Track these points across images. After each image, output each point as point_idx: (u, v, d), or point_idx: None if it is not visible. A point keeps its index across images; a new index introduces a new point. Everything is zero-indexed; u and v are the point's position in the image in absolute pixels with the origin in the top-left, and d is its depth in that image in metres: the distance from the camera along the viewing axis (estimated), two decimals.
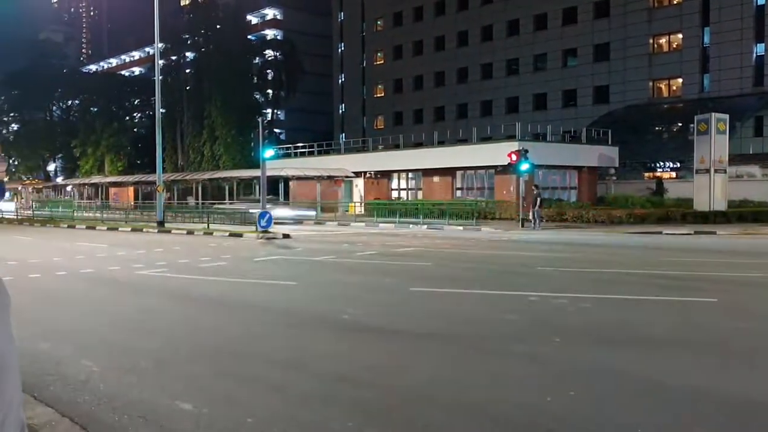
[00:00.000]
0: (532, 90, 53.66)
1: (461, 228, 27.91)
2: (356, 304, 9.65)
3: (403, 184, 43.19)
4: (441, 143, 44.83)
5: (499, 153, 31.59)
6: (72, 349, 7.06)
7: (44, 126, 75.09)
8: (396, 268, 14.34)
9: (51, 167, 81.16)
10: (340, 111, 68.46)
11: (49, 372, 6.09)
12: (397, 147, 46.17)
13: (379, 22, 63.89)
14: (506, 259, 16.20)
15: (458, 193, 38.83)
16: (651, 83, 48.84)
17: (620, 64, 49.44)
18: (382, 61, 63.67)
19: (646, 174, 43.24)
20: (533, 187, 28.27)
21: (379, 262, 15.36)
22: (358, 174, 43.13)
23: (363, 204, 40.43)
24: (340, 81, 68.20)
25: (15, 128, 79.57)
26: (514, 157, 27.84)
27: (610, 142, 39.48)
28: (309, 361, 6.51)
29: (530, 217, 27.67)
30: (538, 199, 27.55)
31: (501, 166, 32.42)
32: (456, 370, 6.16)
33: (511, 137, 38.35)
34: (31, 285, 12.05)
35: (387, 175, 43.12)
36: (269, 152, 27.89)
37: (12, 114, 79.14)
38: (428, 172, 40.02)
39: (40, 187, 68.88)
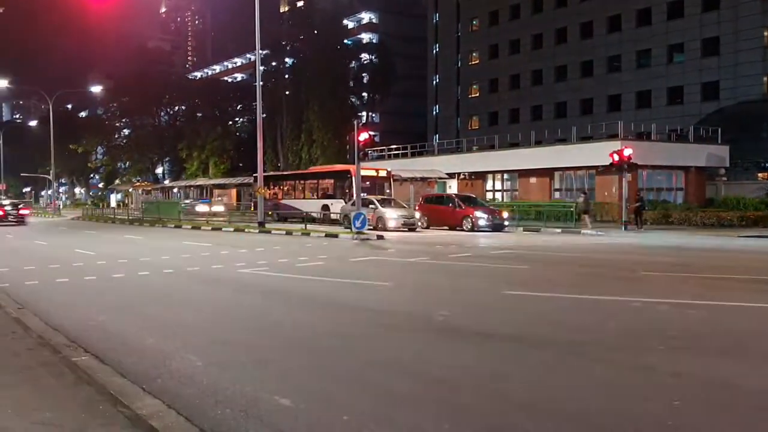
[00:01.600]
0: (635, 87, 51.54)
1: (559, 230, 27.16)
2: (450, 306, 9.55)
3: (498, 185, 42.57)
4: (538, 143, 43.87)
5: (600, 153, 30.54)
6: (178, 343, 7.37)
7: (153, 131, 79.41)
8: (490, 270, 14.11)
9: (159, 170, 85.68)
10: (434, 112, 68.34)
11: (157, 365, 6.38)
12: (492, 147, 45.59)
13: (474, 22, 63.33)
14: (607, 263, 15.59)
15: (556, 194, 37.84)
16: (766, 78, 45.79)
17: (731, 59, 46.65)
18: (477, 61, 63.05)
19: (760, 174, 40.59)
20: (637, 192, 27.26)
21: (473, 264, 15.18)
22: (451, 175, 42.89)
23: None
24: (434, 82, 68.10)
25: (126, 133, 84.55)
26: (616, 157, 26.83)
27: (719, 141, 37.35)
28: (404, 361, 6.49)
29: (633, 219, 26.57)
30: (640, 202, 26.44)
31: (602, 166, 31.31)
32: (554, 377, 5.96)
33: (612, 136, 37.01)
34: (141, 282, 12.71)
35: (481, 176, 42.63)
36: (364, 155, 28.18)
37: (123, 120, 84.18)
38: (524, 173, 39.24)
39: (149, 188, 72.78)
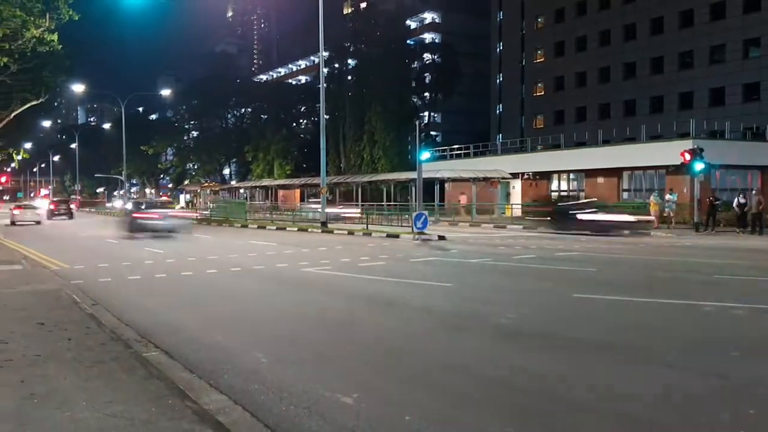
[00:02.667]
0: (708, 84, 49.52)
1: (628, 232, 26.37)
2: (514, 309, 9.39)
3: (563, 186, 41.72)
4: (606, 142, 42.77)
5: (670, 152, 29.54)
6: (244, 340, 7.51)
7: (220, 133, 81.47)
8: (556, 272, 13.82)
9: (226, 171, 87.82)
10: (498, 111, 67.56)
11: (223, 361, 6.51)
12: (557, 147, 44.74)
13: (539, 20, 62.24)
14: (678, 266, 15.02)
15: (625, 194, 36.80)
16: None
17: None
18: (542, 59, 61.96)
19: None
20: (710, 195, 26.23)
21: (538, 266, 14.90)
22: (515, 175, 42.32)
23: (521, 206, 39.56)
24: (498, 81, 67.32)
25: (195, 135, 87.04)
26: (687, 157, 25.90)
27: None
28: (467, 363, 6.41)
29: (706, 220, 25.59)
30: (715, 204, 25.45)
31: (673, 166, 30.29)
32: (622, 382, 5.77)
33: (684, 135, 35.75)
34: (209, 280, 13.03)
35: (546, 176, 41.86)
36: (425, 155, 28.14)
37: (192, 122, 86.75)
38: (591, 173, 38.32)
39: (217, 189, 74.63)
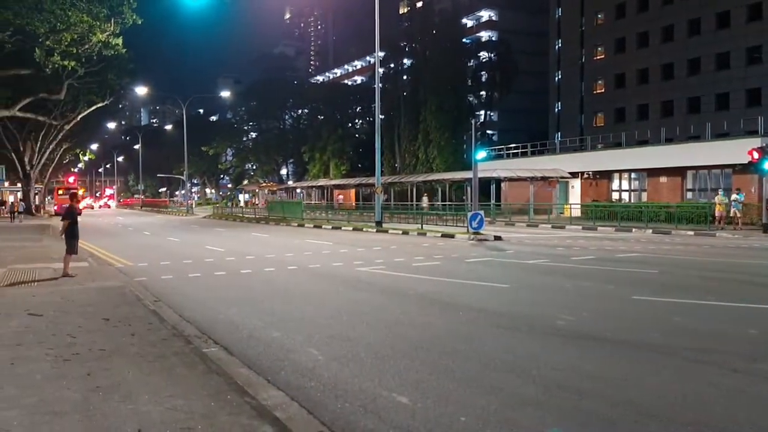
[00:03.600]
0: None
1: (692, 233, 25.55)
2: (572, 310, 9.20)
3: (624, 185, 40.66)
4: (669, 140, 41.47)
5: (737, 150, 28.42)
6: (300, 338, 7.59)
7: (278, 133, 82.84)
8: (616, 274, 13.48)
9: (284, 171, 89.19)
10: (556, 110, 66.40)
11: (281, 358, 6.60)
12: (618, 145, 43.66)
13: (599, 16, 60.85)
14: (746, 268, 14.44)
15: (689, 194, 35.64)
16: None
17: None
18: (602, 56, 60.56)
19: None
20: None
21: (597, 268, 14.56)
22: (574, 175, 41.50)
23: (580, 206, 38.78)
24: (556, 78, 66.15)
25: (253, 136, 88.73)
26: (755, 155, 24.85)
27: None
28: (524, 364, 6.32)
29: None
30: None
31: (740, 165, 29.13)
32: (686, 387, 5.57)
33: (752, 133, 34.33)
34: (267, 278, 13.23)
35: (606, 175, 40.89)
36: (481, 154, 27.88)
37: (251, 123, 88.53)
38: (654, 172, 37.23)
39: (274, 189, 75.86)
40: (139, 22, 31.42)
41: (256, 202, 72.13)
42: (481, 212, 24.94)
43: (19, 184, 57.78)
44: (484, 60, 66.50)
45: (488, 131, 70.41)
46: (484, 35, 75.43)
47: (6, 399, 4.94)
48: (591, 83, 61.96)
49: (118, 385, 5.35)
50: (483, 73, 66.18)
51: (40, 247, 20.61)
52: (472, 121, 30.69)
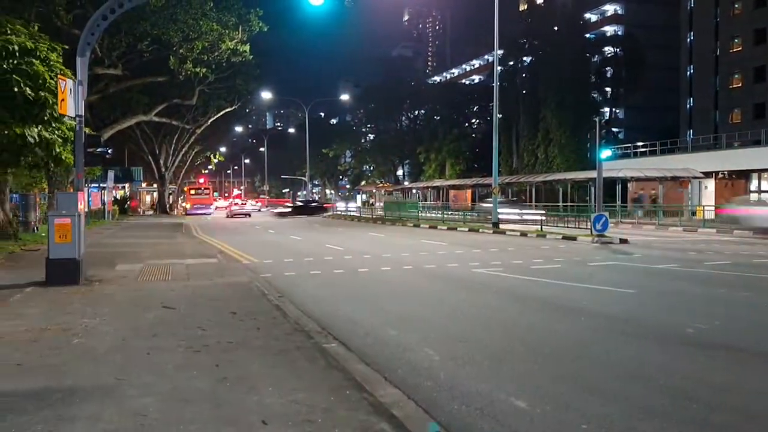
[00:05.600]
0: None
1: None
2: (703, 318, 8.62)
3: (764, 186, 37.72)
4: None
5: None
6: (416, 337, 7.61)
7: (394, 135, 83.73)
8: (753, 280, 12.51)
9: (400, 172, 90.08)
10: (687, 106, 62.61)
11: (397, 356, 6.65)
12: (757, 143, 40.58)
13: (736, 6, 56.74)
14: None
15: None
16: None
17: None
18: (739, 48, 56.42)
19: None
20: None
21: (732, 273, 13.56)
22: (707, 174, 38.99)
23: (713, 207, 36.37)
24: (688, 73, 62.40)
25: (371, 137, 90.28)
26: None
27: None
28: (648, 373, 6.00)
29: None
30: None
31: None
32: None
33: None
34: (384, 277, 13.40)
35: (744, 175, 38.13)
36: (606, 152, 26.84)
37: (369, 125, 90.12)
38: None
39: (391, 190, 76.72)
40: (265, 29, 32.88)
41: (373, 203, 73.26)
42: (606, 213, 23.98)
43: (154, 185, 62.13)
44: (609, 55, 63.88)
45: (614, 129, 67.66)
46: (609, 30, 72.50)
47: (143, 386, 5.31)
48: (726, 77, 57.85)
49: (243, 376, 5.60)
50: (608, 68, 63.57)
51: (174, 244, 21.99)
52: (596, 119, 29.61)
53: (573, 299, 10.39)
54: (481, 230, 29.59)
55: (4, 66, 13.44)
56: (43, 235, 20.81)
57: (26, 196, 26.49)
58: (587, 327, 8.24)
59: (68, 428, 4.33)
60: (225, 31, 30.50)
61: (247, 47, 32.91)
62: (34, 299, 9.82)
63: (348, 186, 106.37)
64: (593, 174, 28.46)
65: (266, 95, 59.52)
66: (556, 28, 59.37)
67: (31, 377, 5.58)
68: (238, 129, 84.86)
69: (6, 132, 13.26)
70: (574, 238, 23.72)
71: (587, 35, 64.52)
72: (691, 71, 61.85)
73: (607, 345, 7.26)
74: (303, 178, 73.14)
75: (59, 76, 12.30)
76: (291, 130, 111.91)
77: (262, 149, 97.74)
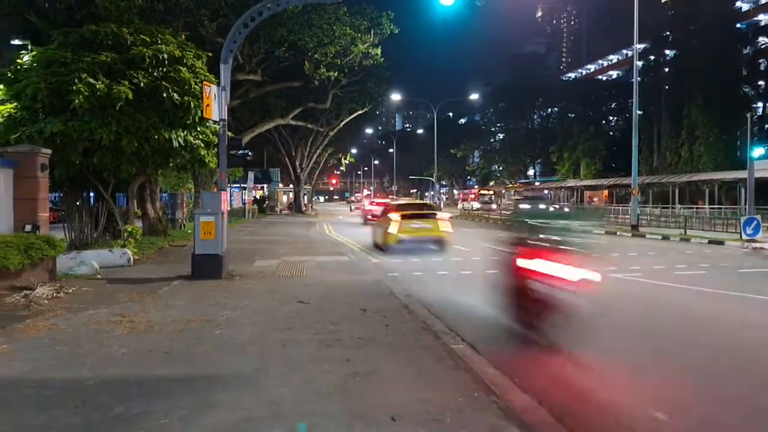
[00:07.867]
0: None
1: None
2: None
3: None
4: None
5: None
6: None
7: (525, 133, 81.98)
8: None
9: (530, 171, 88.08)
10: None
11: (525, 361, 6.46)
12: None
13: None
14: None
15: None
16: None
17: None
18: None
19: None
20: None
21: None
22: None
23: None
24: None
25: (500, 137, 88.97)
26: None
27: None
28: None
29: None
30: None
31: None
32: None
33: None
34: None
35: None
36: (758, 151, 24.78)
37: (498, 124, 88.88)
38: None
39: (521, 190, 75.14)
40: (396, 32, 33.32)
41: (501, 203, 72.00)
42: (758, 217, 22.14)
43: (290, 185, 64.89)
44: (762, 46, 58.87)
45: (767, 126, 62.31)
46: (763, 18, 66.84)
47: (279, 376, 5.53)
48: None
49: (372, 372, 5.69)
50: (762, 60, 58.62)
51: (307, 242, 22.81)
52: (748, 115, 27.36)
53: (721, 309, 9.64)
54: (618, 233, 28.26)
55: (155, 74, 14.55)
56: (189, 231, 22.36)
57: (174, 196, 28.53)
58: (736, 339, 7.60)
59: (211, 413, 4.60)
60: (357, 35, 31.23)
61: (378, 50, 33.51)
62: (181, 291, 10.56)
63: (475, 187, 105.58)
64: (744, 174, 26.30)
65: (396, 97, 60.30)
66: (702, 19, 55.55)
67: (177, 364, 5.99)
68: (369, 131, 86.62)
69: (156, 136, 14.34)
70: (721, 243, 22.09)
71: (738, 25, 59.86)
72: None
73: (758, 358, 6.65)
74: (430, 178, 73.24)
75: (204, 82, 13.12)
76: (419, 131, 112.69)
77: (390, 150, 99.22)
